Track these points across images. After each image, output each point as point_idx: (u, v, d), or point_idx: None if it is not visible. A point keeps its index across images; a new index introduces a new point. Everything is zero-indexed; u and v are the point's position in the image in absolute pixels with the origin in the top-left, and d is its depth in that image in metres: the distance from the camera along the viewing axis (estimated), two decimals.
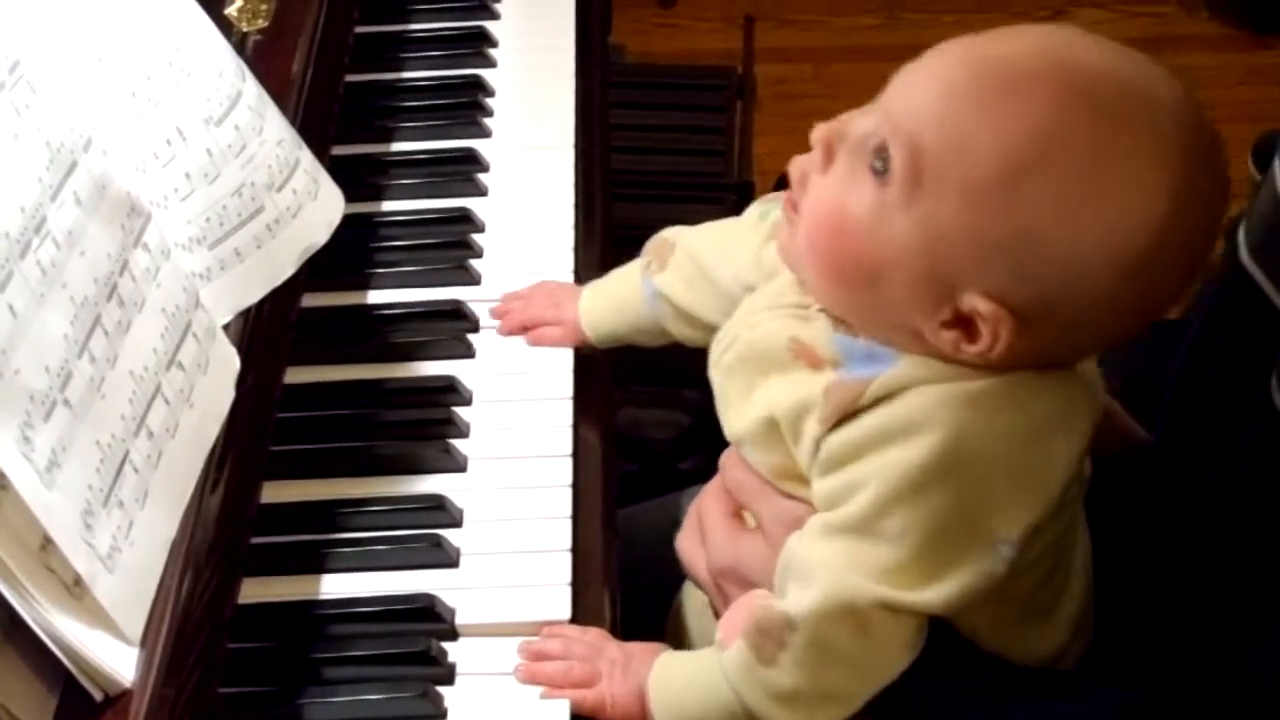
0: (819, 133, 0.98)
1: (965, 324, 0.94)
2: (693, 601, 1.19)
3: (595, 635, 1.04)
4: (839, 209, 0.96)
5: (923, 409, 0.94)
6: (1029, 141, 0.91)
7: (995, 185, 0.91)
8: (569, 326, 1.22)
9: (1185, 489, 1.03)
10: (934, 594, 0.95)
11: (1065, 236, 0.91)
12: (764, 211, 1.13)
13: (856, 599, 0.95)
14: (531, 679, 1.01)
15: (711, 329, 1.12)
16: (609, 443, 1.19)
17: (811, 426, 0.98)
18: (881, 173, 0.94)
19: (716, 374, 1.06)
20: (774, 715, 0.97)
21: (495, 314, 1.25)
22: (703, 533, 1.08)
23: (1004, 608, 0.99)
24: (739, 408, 1.04)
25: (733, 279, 1.12)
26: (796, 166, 1.00)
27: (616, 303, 1.21)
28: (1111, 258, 0.92)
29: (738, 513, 1.07)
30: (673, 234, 1.19)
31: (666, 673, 1.02)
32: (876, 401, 0.96)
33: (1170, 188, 0.91)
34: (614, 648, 1.03)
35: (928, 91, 0.94)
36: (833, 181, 0.97)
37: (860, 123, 0.96)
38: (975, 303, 0.93)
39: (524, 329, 1.23)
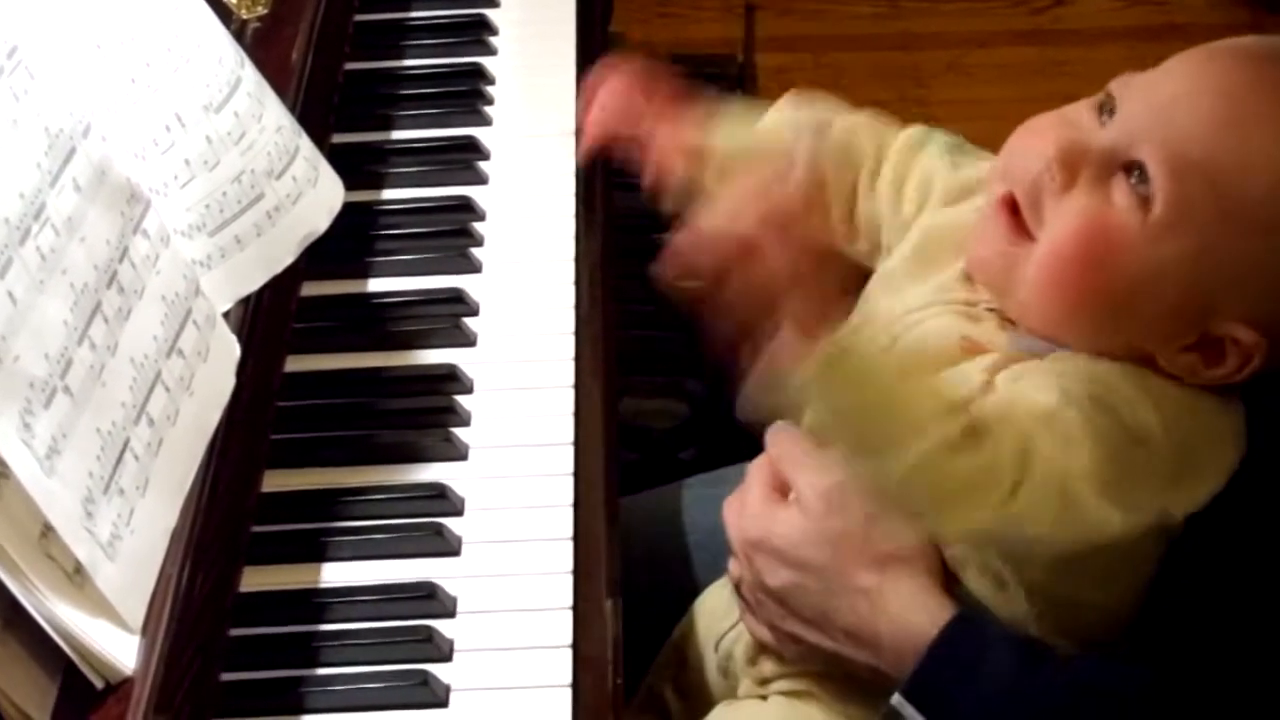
0: (1057, 150, 0.92)
1: (1208, 346, 0.91)
2: (704, 606, 1.19)
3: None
4: (1099, 230, 0.90)
5: (1109, 372, 0.92)
6: None
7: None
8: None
9: None
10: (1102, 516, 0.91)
11: None
12: (920, 139, 1.07)
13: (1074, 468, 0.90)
14: None
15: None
16: (611, 430, 1.19)
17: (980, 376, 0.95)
18: (1137, 186, 0.89)
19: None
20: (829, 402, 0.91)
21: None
22: (742, 501, 1.07)
23: None
24: None
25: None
26: (1025, 182, 0.93)
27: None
28: None
29: (781, 487, 1.06)
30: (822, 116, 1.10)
31: None
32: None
33: None
34: None
35: (1193, 105, 0.89)
36: (1080, 204, 0.91)
37: (1104, 137, 0.91)
38: (1234, 330, 0.90)
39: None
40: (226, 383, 1.02)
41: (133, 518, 0.91)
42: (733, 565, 1.11)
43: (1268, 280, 0.89)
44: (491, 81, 1.45)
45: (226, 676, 1.01)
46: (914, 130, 1.10)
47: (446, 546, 1.08)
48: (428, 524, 1.09)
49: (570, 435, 1.15)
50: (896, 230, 1.08)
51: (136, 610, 0.89)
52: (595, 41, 1.51)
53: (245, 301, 1.08)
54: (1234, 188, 0.88)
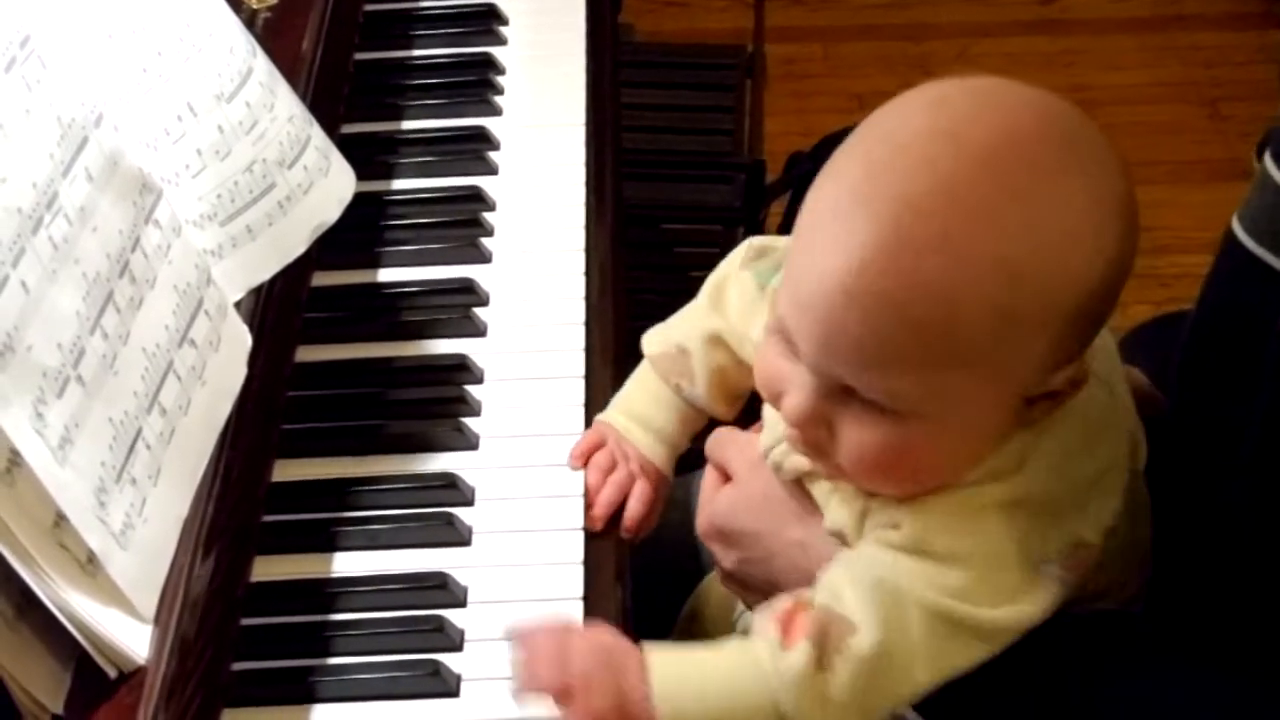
0: (797, 420, 0.93)
1: (1046, 397, 0.93)
2: (714, 586, 1.19)
3: (545, 643, 0.97)
4: (878, 452, 0.92)
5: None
6: (945, 294, 0.87)
7: (969, 341, 0.89)
8: (649, 472, 1.13)
9: (1202, 458, 1.03)
10: (1003, 615, 0.93)
11: (1062, 286, 0.89)
12: (761, 279, 1.09)
13: (925, 604, 0.93)
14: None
15: None
16: None
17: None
18: (870, 400, 0.91)
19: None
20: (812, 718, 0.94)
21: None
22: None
23: None
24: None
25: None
26: (811, 447, 0.95)
27: (674, 425, 1.14)
28: (1094, 266, 0.91)
29: (725, 477, 1.09)
30: (674, 341, 1.12)
31: (679, 680, 0.96)
32: None
33: (1086, 188, 0.90)
34: (578, 658, 0.96)
35: (840, 342, 0.89)
36: (849, 436, 0.93)
37: (810, 383, 0.92)
38: (1048, 384, 0.92)
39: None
40: (238, 372, 1.02)
41: (145, 507, 0.91)
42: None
43: (1023, 358, 0.90)
44: (501, 71, 1.45)
45: (237, 666, 1.01)
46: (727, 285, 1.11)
47: (457, 536, 1.08)
48: (438, 514, 1.09)
49: (581, 425, 1.15)
50: None
51: (149, 600, 0.89)
52: (605, 31, 1.51)
53: (256, 291, 1.08)
54: (924, 359, 0.89)
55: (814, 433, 0.94)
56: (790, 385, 0.94)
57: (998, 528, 0.94)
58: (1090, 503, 0.96)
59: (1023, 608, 0.94)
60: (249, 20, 1.22)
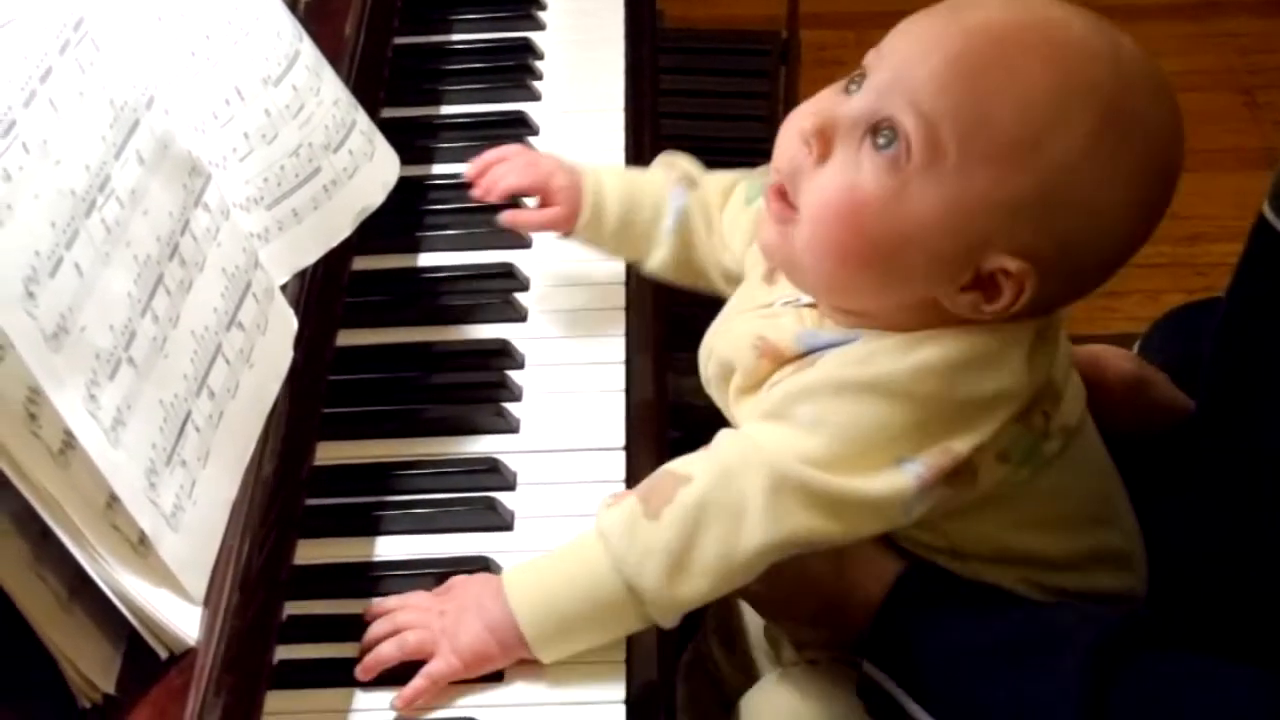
0: (810, 124, 0.96)
1: (985, 284, 0.95)
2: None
3: (417, 597, 1.01)
4: (851, 195, 0.95)
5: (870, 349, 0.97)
6: (1046, 100, 0.92)
7: (1020, 147, 0.92)
8: (565, 203, 1.18)
9: (1231, 448, 1.02)
10: (844, 483, 0.95)
11: (1089, 187, 0.93)
12: (750, 195, 1.13)
13: (771, 464, 0.95)
14: (370, 671, 0.98)
15: (699, 278, 1.16)
16: (662, 406, 1.19)
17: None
18: (886, 148, 0.94)
19: (709, 390, 1.08)
20: (643, 574, 0.95)
21: (471, 177, 1.21)
22: None
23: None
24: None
25: (726, 255, 1.14)
26: (785, 163, 0.98)
27: (632, 193, 1.17)
28: (1131, 202, 0.95)
29: None
30: (694, 172, 1.18)
31: (527, 574, 0.99)
32: None
33: (1172, 130, 0.96)
34: (440, 601, 1.00)
35: (930, 63, 0.93)
36: (836, 169, 0.96)
37: (854, 104, 0.95)
38: (1002, 262, 0.94)
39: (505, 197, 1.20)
40: (285, 356, 1.03)
41: (194, 489, 0.91)
42: None
43: (1022, 210, 0.93)
44: (540, 56, 1.45)
45: (281, 649, 1.01)
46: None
47: (500, 521, 1.08)
48: (480, 498, 1.09)
49: (621, 410, 1.16)
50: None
51: (199, 581, 0.90)
52: (643, 16, 1.51)
53: (299, 275, 1.08)
54: (978, 129, 0.92)
55: (813, 151, 0.96)
56: (827, 107, 0.97)
57: (869, 412, 0.95)
58: (973, 420, 0.96)
59: (869, 486, 0.95)
60: (291, 4, 1.21)
